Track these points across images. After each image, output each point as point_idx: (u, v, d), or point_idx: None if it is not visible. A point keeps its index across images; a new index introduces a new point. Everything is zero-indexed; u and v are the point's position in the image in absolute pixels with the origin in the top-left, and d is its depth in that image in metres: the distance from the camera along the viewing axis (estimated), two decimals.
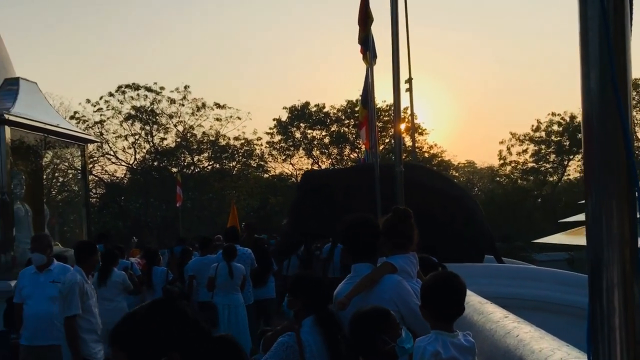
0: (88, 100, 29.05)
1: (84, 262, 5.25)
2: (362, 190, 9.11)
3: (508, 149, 32.38)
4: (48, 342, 5.21)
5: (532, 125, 32.15)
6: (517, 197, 28.34)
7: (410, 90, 18.01)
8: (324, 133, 31.54)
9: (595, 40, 1.26)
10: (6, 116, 9.68)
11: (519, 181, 32.28)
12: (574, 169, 32.65)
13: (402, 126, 27.96)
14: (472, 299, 4.73)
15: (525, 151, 32.20)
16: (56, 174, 20.30)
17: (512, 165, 32.67)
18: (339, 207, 9.11)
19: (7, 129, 9.81)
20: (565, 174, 32.69)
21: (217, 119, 30.07)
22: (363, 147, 28.09)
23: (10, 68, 12.70)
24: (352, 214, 3.28)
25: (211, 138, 30.26)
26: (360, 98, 11.06)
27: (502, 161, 32.86)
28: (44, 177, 13.35)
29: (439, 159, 31.77)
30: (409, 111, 21.64)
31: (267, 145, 31.77)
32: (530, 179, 31.81)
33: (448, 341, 2.51)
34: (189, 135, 30.18)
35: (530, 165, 31.95)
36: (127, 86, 29.01)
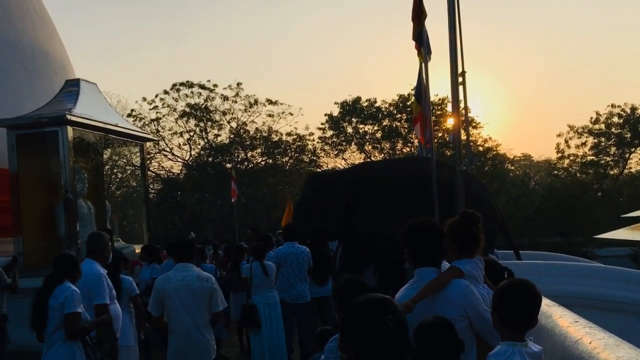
0: (144, 99, 29.75)
1: (190, 259, 5.41)
2: (365, 187, 9.04)
3: (566, 141, 31.38)
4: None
5: (591, 118, 31.12)
6: (576, 191, 27.42)
7: (463, 84, 17.73)
8: (375, 128, 31.29)
9: None
10: (68, 117, 10.00)
11: (577, 175, 31.28)
12: (635, 161, 31.49)
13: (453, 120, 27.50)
14: None
15: (584, 144, 31.20)
16: (115, 170, 20.87)
17: (571, 158, 31.74)
18: (343, 205, 9.04)
19: (69, 129, 10.13)
20: (627, 166, 31.55)
21: (270, 115, 30.31)
22: (416, 141, 27.83)
23: (70, 69, 13.13)
24: (416, 218, 3.20)
25: (264, 134, 30.49)
26: (413, 93, 10.85)
27: (560, 154, 31.94)
28: (104, 174, 13.74)
29: (494, 152, 31.09)
30: (462, 104, 21.23)
31: (319, 141, 31.76)
32: (590, 172, 30.76)
33: (523, 351, 2.44)
34: (242, 131, 30.49)
35: (589, 158, 30.96)
36: (182, 84, 29.50)
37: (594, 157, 30.78)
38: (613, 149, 30.80)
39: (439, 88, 29.62)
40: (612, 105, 30.68)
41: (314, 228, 8.73)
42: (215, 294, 5.25)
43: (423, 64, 8.71)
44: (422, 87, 9.47)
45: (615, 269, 8.72)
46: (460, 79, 19.06)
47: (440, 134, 27.92)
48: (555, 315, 3.92)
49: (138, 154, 13.39)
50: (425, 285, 3.00)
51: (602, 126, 30.89)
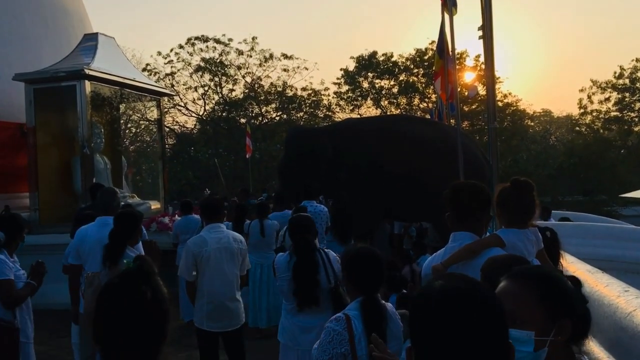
0: (159, 53, 29.48)
1: (221, 219, 5.24)
2: (349, 147, 9.04)
3: (589, 97, 30.65)
4: None
5: (615, 72, 30.32)
6: (599, 148, 26.70)
7: (483, 37, 17.24)
8: (392, 83, 30.74)
9: None
10: (86, 71, 9.81)
11: (601, 131, 30.59)
12: None
13: (474, 75, 26.81)
14: (580, 267, 4.36)
15: (607, 99, 30.42)
16: (129, 125, 20.68)
17: (594, 114, 31.01)
18: (328, 163, 8.92)
19: (87, 84, 9.95)
20: None
21: (285, 70, 29.82)
22: (434, 96, 27.26)
23: (87, 23, 12.82)
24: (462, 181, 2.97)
25: (278, 89, 30.09)
26: (431, 47, 10.38)
27: (582, 110, 31.24)
28: (121, 129, 13.57)
29: (513, 108, 30.47)
30: (481, 59, 20.70)
31: (335, 96, 31.31)
32: (614, 128, 30.09)
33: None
34: (256, 86, 30.10)
35: (613, 114, 30.23)
36: (197, 38, 29.07)
37: (618, 113, 30.12)
38: (638, 104, 30.05)
39: (459, 43, 28.87)
40: (637, 60, 29.89)
41: (302, 185, 8.30)
42: (246, 256, 5.17)
43: (448, 17, 8.35)
44: (443, 41, 9.13)
45: None
46: (480, 33, 18.63)
47: (458, 89, 27.34)
48: (601, 283, 3.70)
49: (154, 109, 13.20)
50: (459, 250, 2.83)
51: (627, 81, 30.14)
